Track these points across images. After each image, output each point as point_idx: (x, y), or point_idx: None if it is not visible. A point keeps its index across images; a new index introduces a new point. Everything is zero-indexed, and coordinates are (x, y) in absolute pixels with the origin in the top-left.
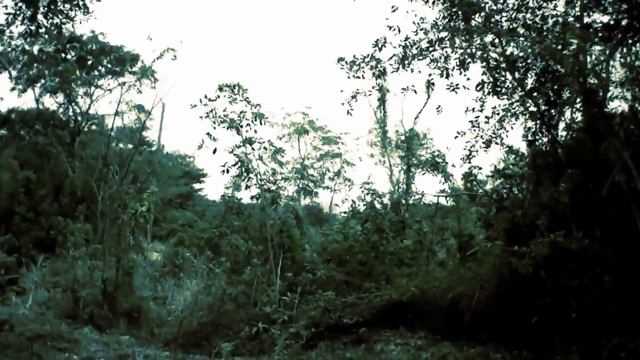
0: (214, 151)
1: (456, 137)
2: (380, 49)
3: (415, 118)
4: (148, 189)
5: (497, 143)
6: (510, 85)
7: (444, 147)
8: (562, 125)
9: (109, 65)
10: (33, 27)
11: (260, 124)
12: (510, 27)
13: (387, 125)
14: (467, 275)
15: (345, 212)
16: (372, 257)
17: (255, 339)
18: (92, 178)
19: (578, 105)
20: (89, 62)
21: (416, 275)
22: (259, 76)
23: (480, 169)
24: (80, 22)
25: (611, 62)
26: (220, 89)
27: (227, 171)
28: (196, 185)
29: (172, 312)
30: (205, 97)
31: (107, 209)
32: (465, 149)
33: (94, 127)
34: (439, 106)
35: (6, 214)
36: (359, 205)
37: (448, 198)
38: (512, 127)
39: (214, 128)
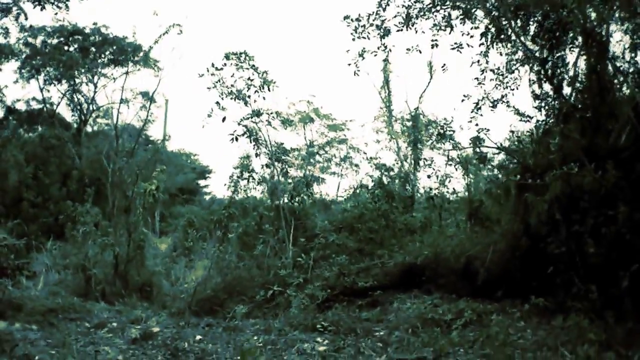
0: (223, 119)
1: (463, 100)
2: (384, 9)
3: (420, 97)
4: (156, 168)
5: (503, 102)
6: (513, 35)
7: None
8: (565, 83)
9: (111, 57)
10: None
11: (269, 90)
12: None
13: (392, 105)
14: (480, 240)
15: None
16: (382, 226)
17: (271, 302)
18: (102, 154)
19: (580, 44)
20: (92, 53)
21: (429, 242)
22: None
23: (487, 130)
24: None
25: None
26: (227, 57)
27: (236, 139)
28: (201, 182)
29: (184, 291)
30: (213, 65)
31: (117, 180)
32: (472, 111)
33: (99, 119)
34: (444, 65)
35: (15, 202)
36: (367, 180)
37: (457, 166)
38: (517, 87)
39: (222, 99)
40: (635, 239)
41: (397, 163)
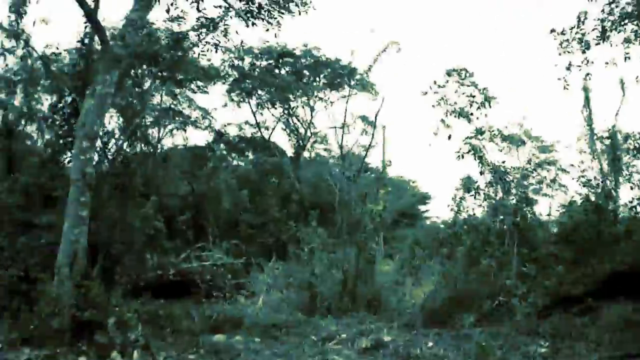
0: (449, 137)
1: None
2: (582, 22)
3: (616, 114)
4: (381, 190)
5: None
6: None
7: None
8: None
9: (325, 80)
10: (251, 18)
11: (489, 106)
12: None
13: (594, 123)
14: None
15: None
16: (594, 237)
17: (497, 311)
18: (323, 177)
19: None
20: (305, 76)
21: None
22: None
23: None
24: (300, 13)
25: None
26: (449, 74)
27: (462, 157)
28: (421, 207)
29: (411, 306)
30: (435, 83)
31: (344, 201)
32: None
33: (315, 144)
34: (638, 77)
35: (230, 225)
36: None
37: None
38: None
39: (447, 116)
40: None
41: (601, 181)
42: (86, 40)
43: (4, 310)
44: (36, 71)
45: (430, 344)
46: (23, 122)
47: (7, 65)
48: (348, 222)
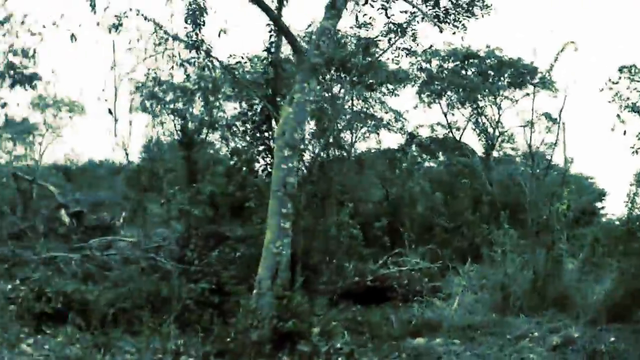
0: (624, 133)
1: None
2: None
3: None
4: (566, 189)
5: None
6: None
7: None
8: None
9: (509, 80)
10: (438, 23)
11: None
12: None
13: None
14: None
15: None
16: None
17: None
18: (512, 177)
19: None
20: (490, 77)
21: None
22: None
23: None
24: (483, 16)
25: None
26: (620, 70)
27: (637, 152)
28: (597, 204)
29: (594, 302)
30: (609, 80)
31: (533, 201)
32: None
33: (503, 143)
34: None
35: (425, 229)
36: None
37: None
38: None
39: (621, 111)
40: None
41: None
42: (272, 49)
43: (194, 323)
44: (218, 80)
45: (613, 339)
46: (205, 130)
47: (187, 75)
48: (538, 222)
